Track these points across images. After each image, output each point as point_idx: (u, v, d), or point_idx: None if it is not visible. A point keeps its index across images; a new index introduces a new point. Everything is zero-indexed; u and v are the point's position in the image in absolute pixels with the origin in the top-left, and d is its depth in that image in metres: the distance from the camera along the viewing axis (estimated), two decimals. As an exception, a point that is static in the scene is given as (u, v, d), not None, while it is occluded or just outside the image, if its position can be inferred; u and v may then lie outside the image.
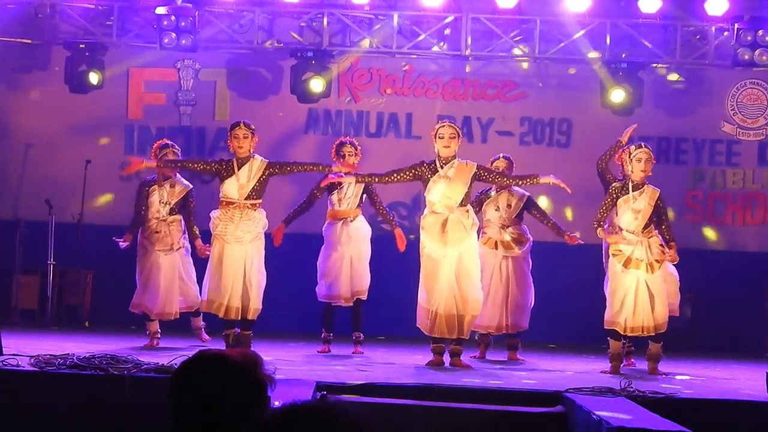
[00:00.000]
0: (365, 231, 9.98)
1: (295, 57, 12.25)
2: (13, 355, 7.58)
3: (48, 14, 12.26)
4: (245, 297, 9.09)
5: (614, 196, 9.07)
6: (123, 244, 9.74)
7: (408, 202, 12.73)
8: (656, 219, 8.99)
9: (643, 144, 9.13)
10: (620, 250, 8.92)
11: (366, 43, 12.40)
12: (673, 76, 12.81)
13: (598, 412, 6.13)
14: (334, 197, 9.92)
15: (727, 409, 7.11)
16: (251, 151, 9.30)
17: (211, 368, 2.73)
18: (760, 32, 11.60)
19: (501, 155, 9.92)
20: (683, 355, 10.17)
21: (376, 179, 9.27)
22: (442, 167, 8.90)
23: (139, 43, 12.33)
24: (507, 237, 9.80)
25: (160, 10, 11.76)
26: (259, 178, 9.20)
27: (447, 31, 12.47)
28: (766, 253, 12.26)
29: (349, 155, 9.79)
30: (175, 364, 6.86)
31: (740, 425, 7.00)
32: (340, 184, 9.71)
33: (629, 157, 9.00)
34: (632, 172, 8.97)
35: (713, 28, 12.00)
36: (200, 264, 9.68)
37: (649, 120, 12.51)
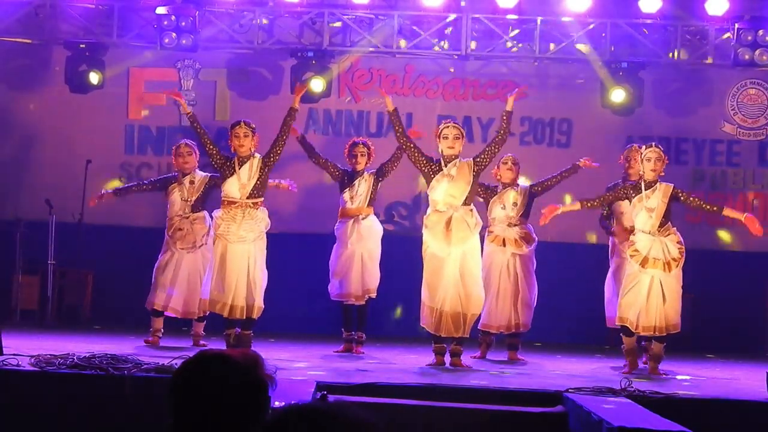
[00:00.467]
0: (376, 230, 9.97)
1: (296, 57, 12.24)
2: (14, 355, 7.59)
3: (48, 14, 12.24)
4: (249, 296, 9.09)
5: (621, 194, 9.15)
6: (95, 199, 10.10)
7: (408, 202, 12.72)
8: (691, 206, 9.18)
9: (653, 144, 9.18)
10: (637, 251, 8.93)
11: (366, 43, 12.40)
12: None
13: (598, 412, 6.13)
14: (346, 195, 9.91)
15: (727, 409, 7.11)
16: (252, 150, 9.31)
17: (211, 368, 2.72)
18: (761, 32, 11.59)
19: (510, 155, 9.91)
20: (683, 355, 10.16)
21: (399, 132, 9.04)
22: (445, 165, 8.90)
23: (140, 43, 12.32)
24: (515, 235, 9.79)
25: (161, 10, 11.76)
26: (259, 175, 9.22)
27: (447, 31, 12.46)
28: (766, 253, 12.24)
29: (361, 155, 9.81)
30: (176, 364, 6.87)
31: (740, 425, 7.01)
32: (351, 183, 9.77)
33: (640, 157, 9.06)
34: (643, 171, 9.03)
35: (713, 28, 12.00)
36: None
37: (650, 120, 12.51)
